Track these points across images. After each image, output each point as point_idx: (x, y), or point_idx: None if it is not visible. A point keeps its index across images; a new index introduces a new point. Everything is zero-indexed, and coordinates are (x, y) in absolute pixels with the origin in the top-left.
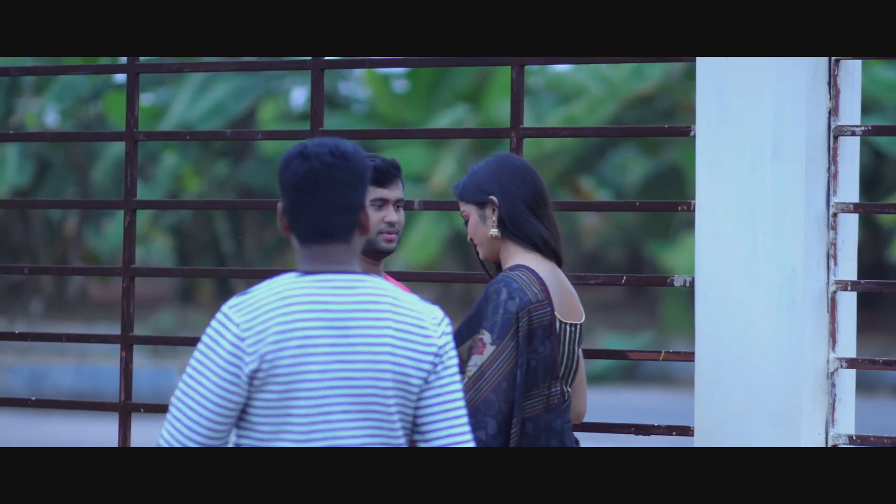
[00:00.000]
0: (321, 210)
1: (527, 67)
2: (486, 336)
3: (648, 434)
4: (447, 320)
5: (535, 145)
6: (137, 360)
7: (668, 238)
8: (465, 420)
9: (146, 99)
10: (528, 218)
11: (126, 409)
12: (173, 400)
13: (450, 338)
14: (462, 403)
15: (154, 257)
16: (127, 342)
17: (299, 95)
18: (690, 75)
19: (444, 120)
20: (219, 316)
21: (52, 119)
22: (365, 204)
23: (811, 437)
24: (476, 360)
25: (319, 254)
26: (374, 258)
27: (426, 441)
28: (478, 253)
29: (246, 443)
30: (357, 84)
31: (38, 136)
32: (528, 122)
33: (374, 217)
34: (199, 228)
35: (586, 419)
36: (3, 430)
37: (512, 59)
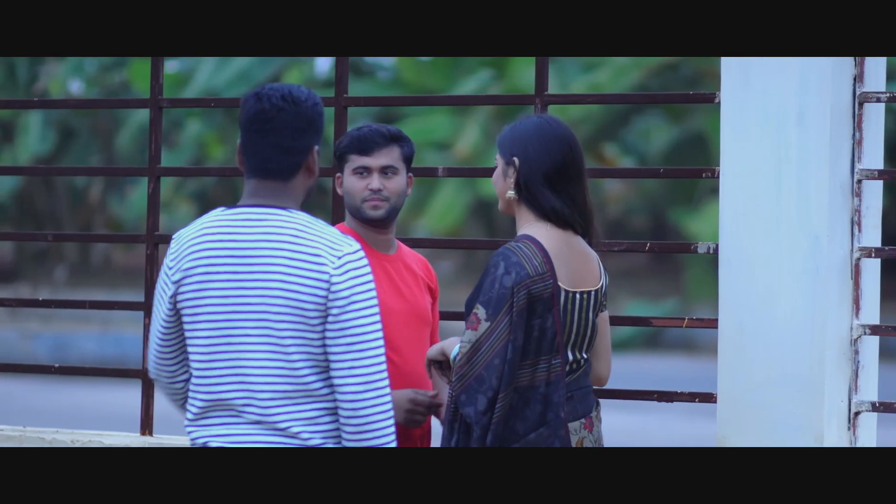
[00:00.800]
0: (265, 148)
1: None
2: (480, 311)
3: (671, 401)
4: (355, 257)
5: (560, 112)
6: None
7: (692, 205)
8: (364, 358)
9: (171, 66)
10: (543, 189)
11: (149, 375)
12: None
13: (352, 273)
14: (363, 340)
15: (178, 224)
16: (150, 309)
17: (324, 62)
18: None
19: (468, 87)
20: None
21: (76, 87)
22: (312, 149)
23: (834, 404)
24: (470, 336)
25: (256, 188)
26: (372, 225)
27: (332, 378)
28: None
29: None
30: None
31: (62, 103)
32: (553, 89)
33: (358, 185)
34: (223, 195)
35: (610, 385)
36: (27, 398)
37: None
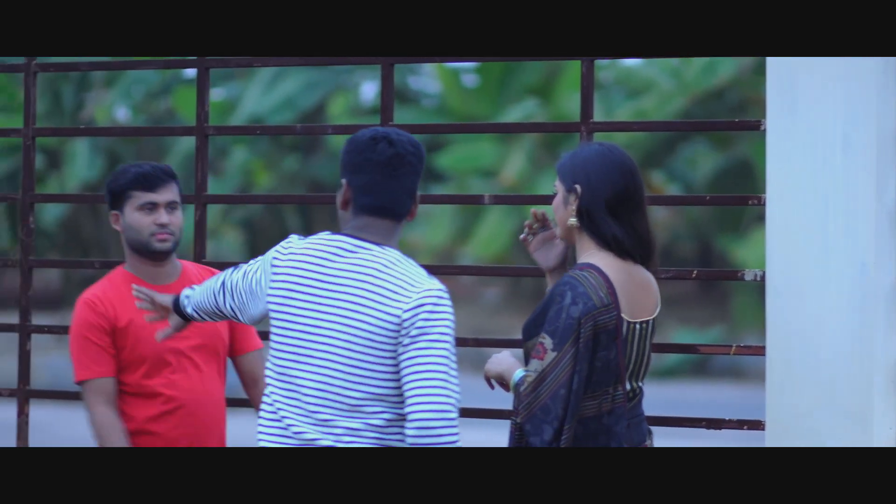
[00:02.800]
0: (395, 190)
1: (597, 62)
2: (546, 341)
3: (720, 428)
4: (432, 297)
5: (605, 139)
6: None
7: (738, 232)
8: (434, 390)
9: (216, 94)
10: (605, 217)
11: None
12: None
13: (424, 313)
14: (434, 375)
15: (225, 251)
16: None
17: (369, 90)
18: (760, 70)
19: (513, 114)
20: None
21: (122, 114)
22: (417, 192)
23: (882, 431)
24: (535, 365)
25: (366, 224)
26: (155, 259)
27: (404, 405)
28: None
29: None
30: (427, 78)
31: (109, 130)
32: (598, 116)
33: (145, 220)
34: (270, 223)
35: (658, 412)
36: (74, 425)
37: (582, 57)
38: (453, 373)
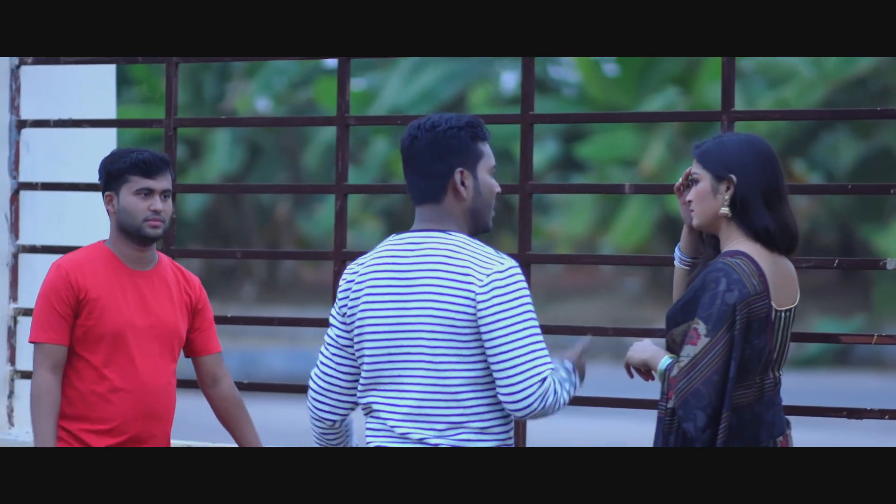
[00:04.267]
0: (409, 175)
1: None
2: (700, 326)
3: (861, 418)
4: (504, 274)
5: (746, 128)
6: None
7: (880, 221)
8: (517, 370)
9: (357, 84)
10: (759, 207)
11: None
12: None
13: (498, 290)
14: (515, 355)
15: (365, 241)
16: None
17: (509, 80)
18: None
19: (654, 103)
20: None
21: (263, 105)
22: (452, 172)
23: None
24: (689, 351)
25: (419, 214)
26: (141, 243)
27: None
28: (690, 215)
29: None
30: (567, 68)
31: (250, 121)
32: (739, 105)
33: (141, 205)
34: (410, 213)
35: (799, 402)
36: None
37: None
38: (540, 343)
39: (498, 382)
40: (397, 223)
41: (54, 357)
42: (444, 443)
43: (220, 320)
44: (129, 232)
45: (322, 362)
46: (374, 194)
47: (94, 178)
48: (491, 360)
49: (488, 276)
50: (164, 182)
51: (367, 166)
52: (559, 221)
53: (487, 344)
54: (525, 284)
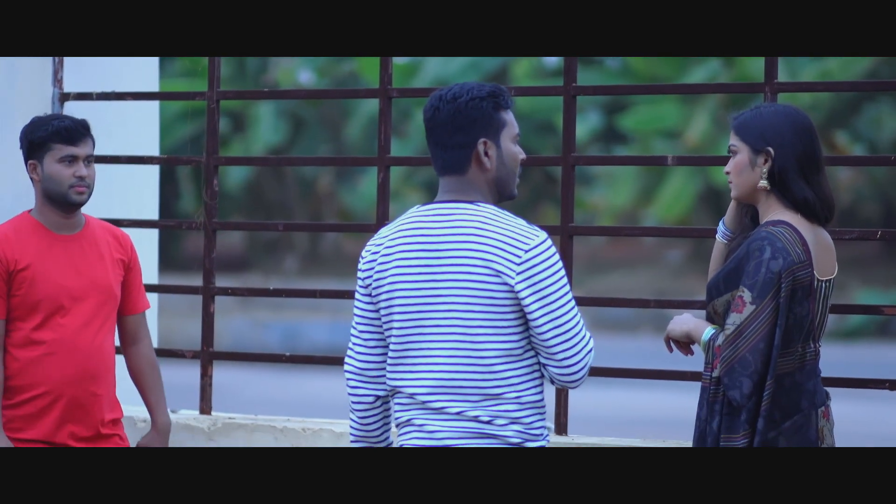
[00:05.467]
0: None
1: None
2: (745, 294)
3: None
4: (537, 245)
5: (789, 100)
6: None
7: None
8: (564, 342)
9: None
10: (797, 179)
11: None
12: None
13: (536, 261)
14: (559, 326)
15: None
16: None
17: None
18: None
19: (697, 75)
20: None
21: (305, 77)
22: (475, 143)
23: None
24: (734, 319)
25: (442, 185)
26: (67, 210)
27: (545, 352)
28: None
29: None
30: None
31: (292, 93)
32: (782, 76)
33: (65, 172)
34: None
35: (840, 373)
36: (258, 386)
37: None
38: (576, 311)
39: (548, 353)
40: None
41: None
42: (483, 414)
43: (263, 292)
44: (54, 199)
45: (354, 343)
46: (416, 166)
47: (138, 150)
48: (540, 332)
49: (526, 251)
50: (86, 148)
51: (410, 138)
52: (602, 193)
53: (535, 317)
54: (557, 254)
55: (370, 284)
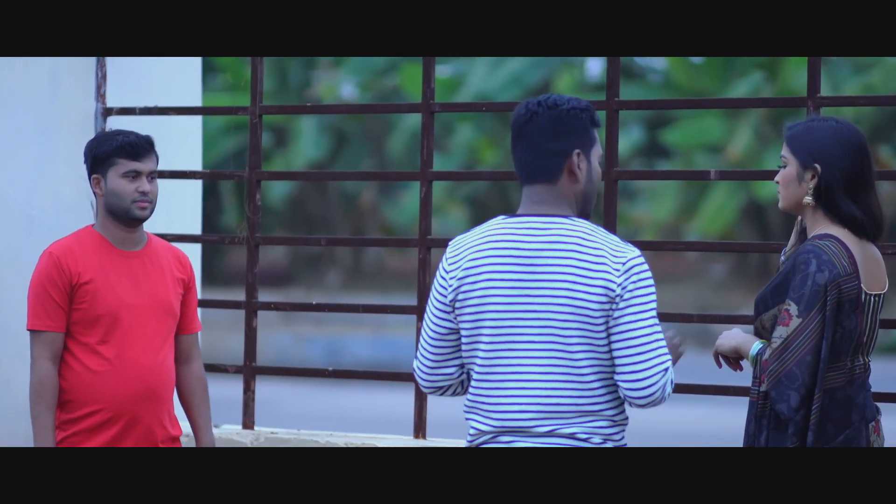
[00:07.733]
0: (523, 151)
1: None
2: (792, 307)
3: None
4: (637, 262)
5: (832, 114)
6: None
7: None
8: (645, 359)
9: (442, 71)
10: (843, 197)
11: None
12: None
13: (634, 279)
14: (643, 343)
15: (450, 228)
16: (422, 313)
17: (595, 66)
18: None
19: (739, 89)
20: None
21: (348, 92)
22: (571, 153)
23: None
24: (781, 332)
25: (529, 195)
26: (130, 225)
27: (625, 370)
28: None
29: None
30: None
31: (335, 108)
32: (825, 90)
33: (129, 187)
34: (495, 200)
35: (888, 389)
36: (301, 401)
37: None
38: (661, 332)
39: (623, 370)
40: (482, 210)
41: (53, 345)
42: (580, 431)
43: (305, 307)
44: (117, 214)
45: (426, 359)
46: (459, 181)
47: (181, 165)
48: (619, 347)
49: (624, 264)
50: (150, 164)
51: (453, 153)
52: (644, 208)
53: (618, 331)
54: (651, 273)
55: (454, 298)
